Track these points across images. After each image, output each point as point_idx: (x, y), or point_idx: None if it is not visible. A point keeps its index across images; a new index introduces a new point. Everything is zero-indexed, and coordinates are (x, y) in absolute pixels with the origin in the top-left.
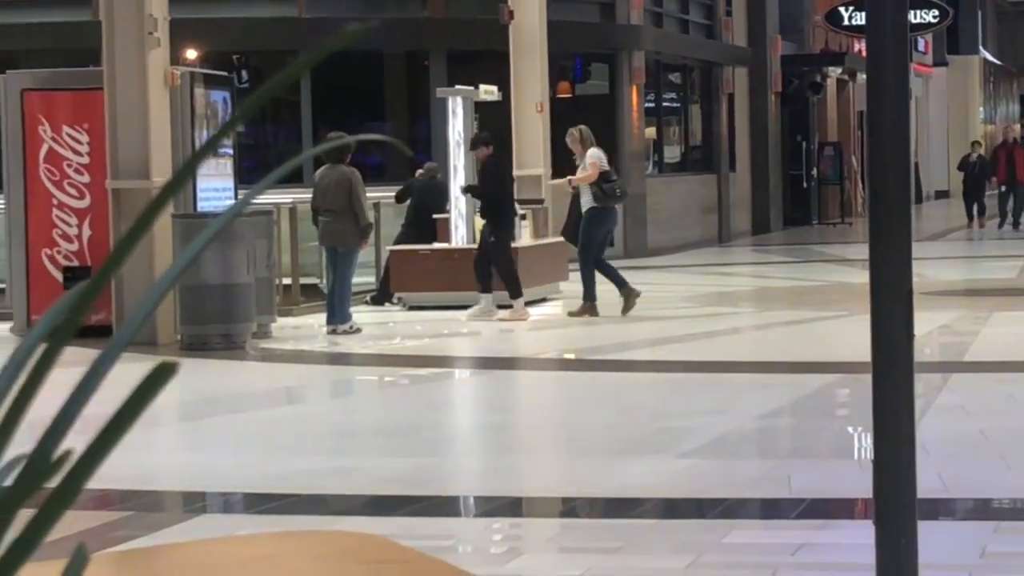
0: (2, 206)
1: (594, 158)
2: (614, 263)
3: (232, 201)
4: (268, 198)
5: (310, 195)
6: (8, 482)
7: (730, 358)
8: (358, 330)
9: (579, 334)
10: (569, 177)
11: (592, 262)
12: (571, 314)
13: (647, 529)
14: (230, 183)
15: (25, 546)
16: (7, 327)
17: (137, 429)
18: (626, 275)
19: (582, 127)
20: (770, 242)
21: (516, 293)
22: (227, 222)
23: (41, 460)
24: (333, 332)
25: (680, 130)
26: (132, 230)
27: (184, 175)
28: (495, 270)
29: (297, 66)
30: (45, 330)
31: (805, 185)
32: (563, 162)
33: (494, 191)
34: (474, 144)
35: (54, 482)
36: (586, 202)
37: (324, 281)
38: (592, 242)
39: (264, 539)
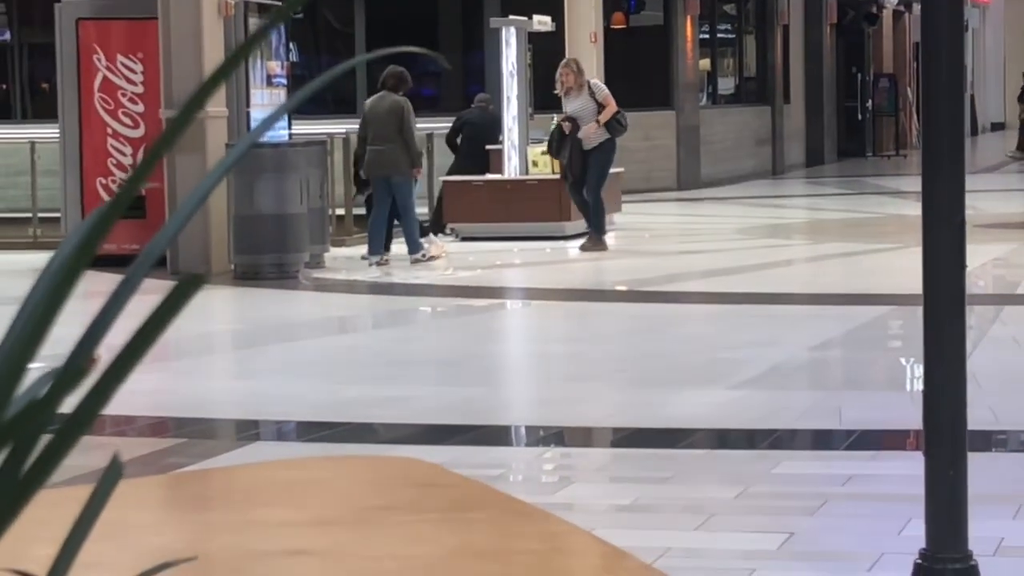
0: (57, 135)
1: (605, 89)
2: (668, 195)
3: (285, 131)
4: (321, 128)
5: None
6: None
7: (782, 290)
8: (432, 258)
9: (631, 265)
10: (597, 118)
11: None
12: (583, 249)
13: (697, 459)
14: (284, 113)
15: (53, 454)
16: None
17: (191, 357)
18: (680, 207)
19: (575, 59)
20: (824, 174)
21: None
22: (245, 151)
23: (71, 367)
24: (415, 262)
25: (734, 62)
26: (150, 153)
27: (201, 98)
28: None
29: None
30: (67, 254)
31: (859, 117)
32: (617, 92)
33: None
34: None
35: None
36: (596, 136)
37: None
38: (606, 174)
39: (313, 463)
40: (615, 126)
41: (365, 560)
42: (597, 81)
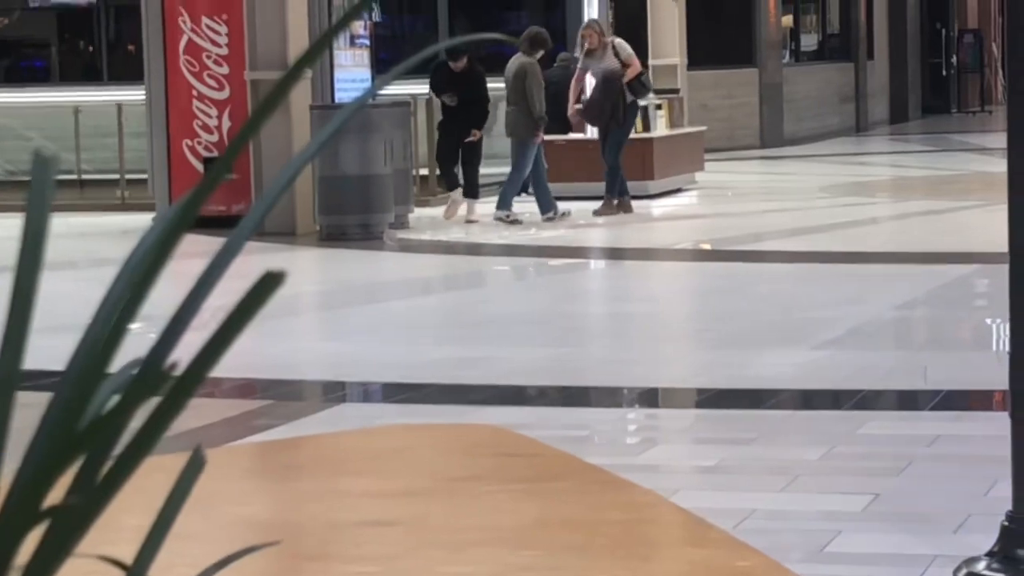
0: (143, 97)
1: (629, 48)
2: (751, 153)
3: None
4: (405, 89)
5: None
6: (122, 388)
7: (866, 249)
8: (517, 222)
9: (714, 225)
10: (630, 77)
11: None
12: (596, 213)
13: (781, 420)
14: (367, 73)
15: (134, 454)
16: (150, 217)
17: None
18: (763, 165)
19: (598, 20)
20: (908, 131)
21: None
22: (352, 114)
23: (153, 367)
24: (497, 220)
25: (817, 18)
26: (256, 113)
27: (310, 58)
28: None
29: None
30: (173, 215)
31: (944, 73)
32: (698, 50)
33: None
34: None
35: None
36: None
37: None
38: (626, 137)
39: (396, 431)
40: (638, 87)
41: (450, 530)
42: (620, 40)
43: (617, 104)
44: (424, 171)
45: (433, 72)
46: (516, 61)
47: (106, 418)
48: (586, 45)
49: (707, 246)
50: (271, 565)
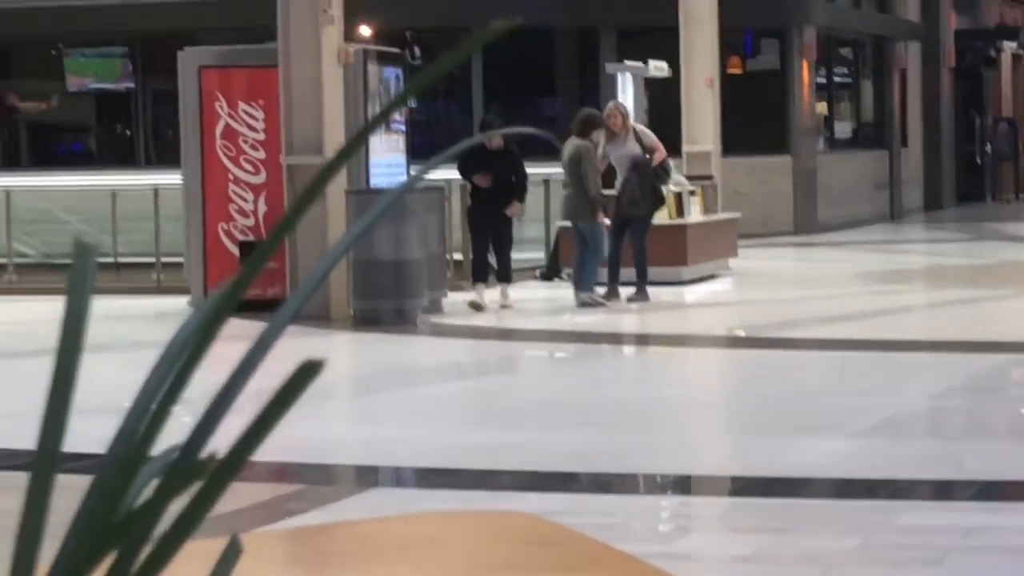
0: (180, 181)
1: (652, 135)
2: (785, 239)
3: (404, 177)
4: (439, 174)
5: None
6: (159, 478)
7: (901, 337)
8: (602, 304)
9: (748, 312)
10: (656, 164)
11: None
12: (631, 300)
13: (816, 509)
14: (402, 159)
15: (169, 545)
16: (186, 300)
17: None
18: (797, 252)
19: (622, 102)
20: (943, 219)
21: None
22: (393, 201)
23: (189, 459)
24: (582, 304)
25: (851, 105)
26: (300, 200)
27: (352, 149)
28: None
29: (454, 55)
30: (215, 303)
31: (979, 161)
32: (733, 137)
33: None
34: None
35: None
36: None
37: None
38: (650, 223)
39: (429, 519)
40: (662, 174)
41: None
42: (643, 127)
43: (656, 190)
44: (458, 256)
45: (466, 153)
46: (571, 144)
47: (142, 511)
48: (608, 128)
49: (741, 333)
50: None
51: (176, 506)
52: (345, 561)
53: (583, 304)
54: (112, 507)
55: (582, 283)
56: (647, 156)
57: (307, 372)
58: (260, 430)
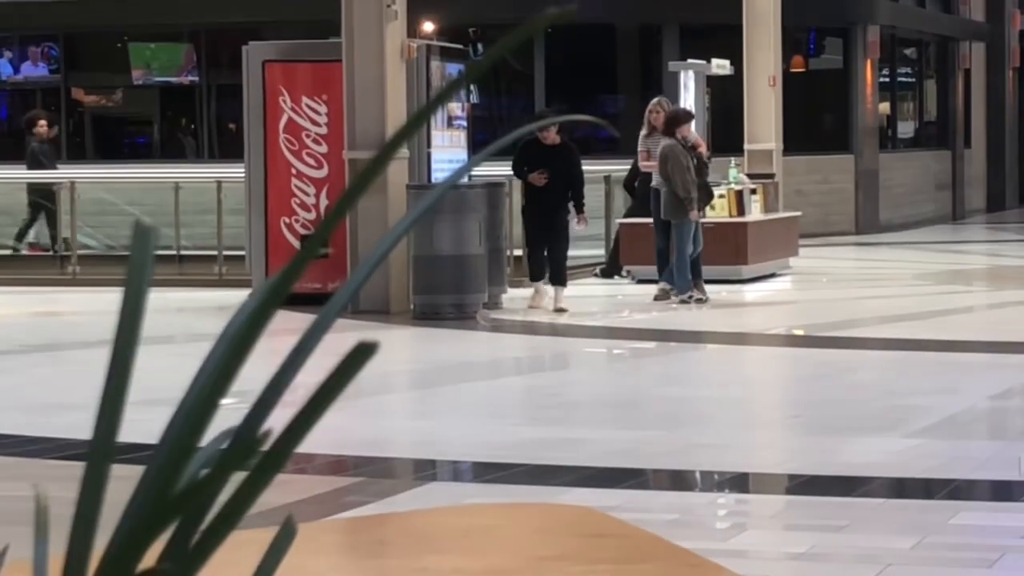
0: (243, 175)
1: (695, 133)
2: (846, 239)
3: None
4: (500, 170)
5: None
6: (214, 458)
7: (962, 337)
8: (700, 300)
9: (808, 310)
10: (700, 149)
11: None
12: (683, 302)
13: (873, 508)
14: (463, 154)
15: (225, 522)
16: (247, 293)
17: (370, 396)
18: (858, 251)
19: (666, 98)
20: (1005, 220)
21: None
22: (443, 193)
23: (246, 437)
24: (683, 302)
25: (914, 105)
26: (352, 188)
27: (411, 129)
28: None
29: (510, 40)
30: (265, 292)
31: None
32: (795, 135)
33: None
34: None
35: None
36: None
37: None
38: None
39: (484, 510)
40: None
41: None
42: (686, 127)
43: (707, 186)
44: (518, 252)
45: (520, 150)
46: (663, 143)
47: (200, 484)
48: (651, 123)
49: (800, 332)
50: None
51: (232, 487)
52: (401, 550)
53: (683, 302)
54: (169, 484)
55: (680, 281)
56: (695, 152)
57: (361, 354)
58: (315, 410)
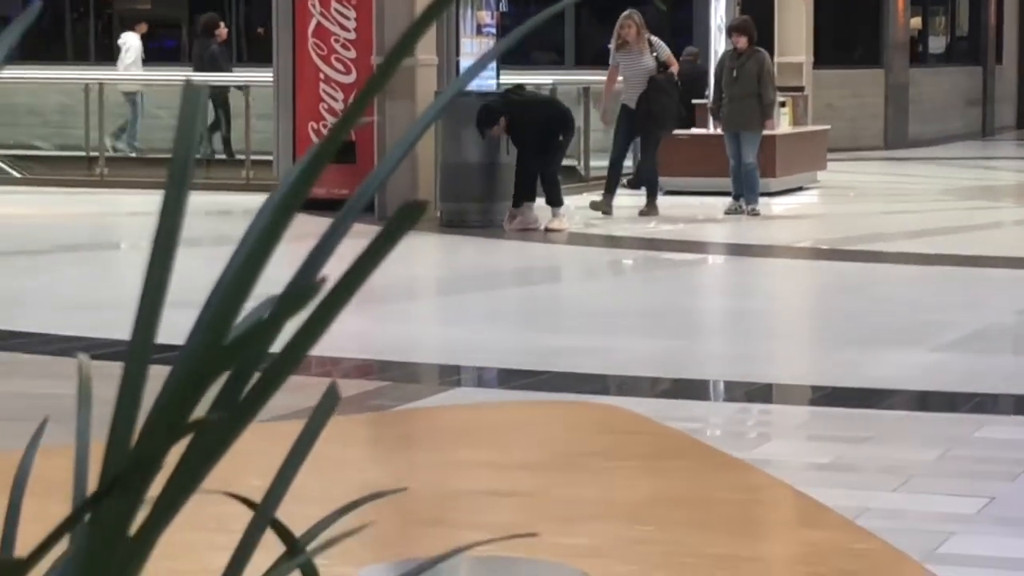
0: (271, 79)
1: (667, 48)
2: (874, 154)
3: (493, 81)
4: (529, 79)
5: (567, 77)
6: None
7: (989, 253)
8: (754, 213)
9: (835, 224)
10: (671, 67)
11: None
12: (642, 214)
13: (897, 420)
14: (493, 62)
15: (277, 372)
16: None
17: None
18: (886, 166)
19: (637, 11)
20: None
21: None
22: (451, 97)
23: (300, 284)
24: (754, 213)
25: (946, 20)
26: (361, 96)
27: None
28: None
29: None
30: (280, 198)
31: None
32: (825, 49)
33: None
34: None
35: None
36: (632, 97)
37: (580, 163)
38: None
39: (515, 407)
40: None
41: (566, 503)
42: (657, 39)
43: (683, 107)
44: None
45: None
46: (759, 52)
47: (253, 331)
48: (621, 37)
49: (826, 245)
50: (388, 528)
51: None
52: (431, 444)
53: (753, 213)
54: (221, 333)
55: (755, 193)
56: (667, 71)
57: (411, 210)
58: (367, 264)
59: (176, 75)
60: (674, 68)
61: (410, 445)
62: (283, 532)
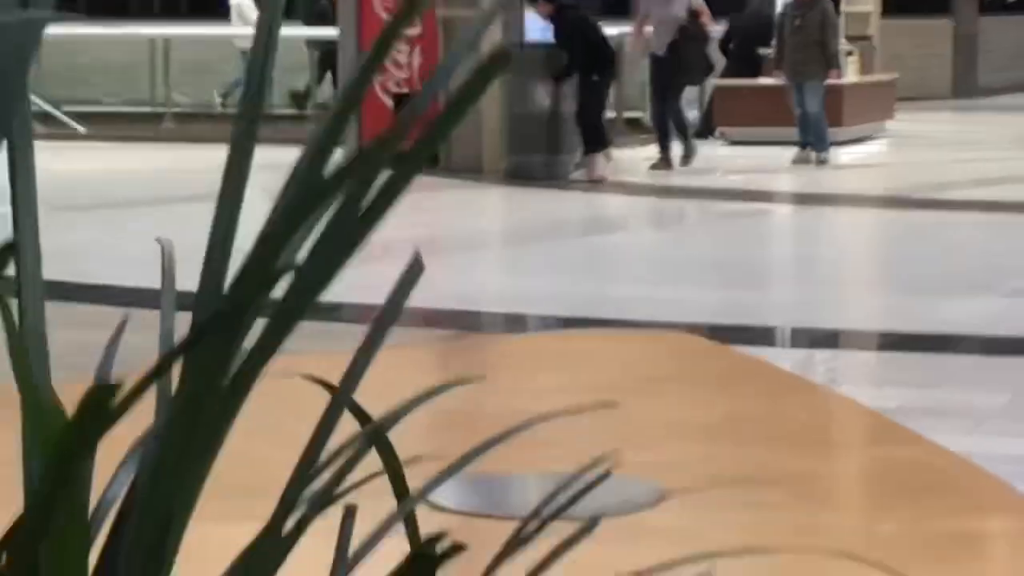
0: (336, 36)
1: None
2: (943, 103)
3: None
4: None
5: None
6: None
7: None
8: (823, 161)
9: (903, 173)
10: (702, 17)
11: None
12: (654, 167)
13: (966, 365)
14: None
15: (380, 205)
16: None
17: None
18: (954, 116)
19: None
20: None
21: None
22: (472, 43)
23: (412, 112)
24: (822, 162)
25: None
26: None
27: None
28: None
29: None
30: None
31: None
32: None
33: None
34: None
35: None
36: (662, 45)
37: (645, 114)
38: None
39: (590, 336)
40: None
41: (640, 423)
42: None
43: (708, 57)
44: (612, 113)
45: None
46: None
47: (352, 162)
48: None
49: (896, 193)
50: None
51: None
52: (507, 369)
53: (821, 162)
54: (321, 165)
55: (827, 142)
56: (698, 20)
57: (500, 58)
58: (461, 107)
59: (285, 31)
60: (706, 17)
61: (485, 370)
62: (360, 413)
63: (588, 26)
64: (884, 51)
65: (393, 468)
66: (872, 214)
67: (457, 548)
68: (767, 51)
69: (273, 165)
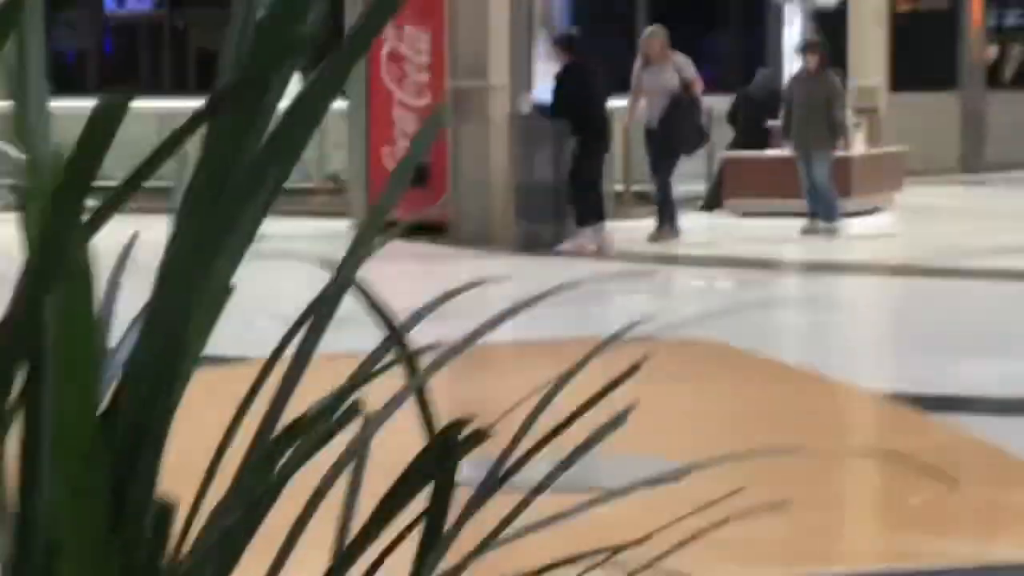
0: (345, 105)
1: (693, 68)
2: (952, 176)
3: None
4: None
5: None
6: None
7: None
8: (833, 231)
9: (914, 243)
10: (694, 87)
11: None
12: (651, 239)
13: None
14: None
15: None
16: (345, 223)
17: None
18: (963, 190)
19: (662, 27)
20: None
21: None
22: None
23: None
24: (832, 232)
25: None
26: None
27: None
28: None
29: None
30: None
31: None
32: (901, 73)
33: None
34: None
35: None
36: (653, 118)
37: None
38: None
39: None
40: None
41: (657, 414)
42: (684, 57)
43: (702, 129)
44: (618, 187)
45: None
46: (831, 75)
47: None
48: (645, 53)
49: (911, 262)
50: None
51: None
52: (517, 371)
53: (830, 232)
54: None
55: (835, 211)
56: (690, 90)
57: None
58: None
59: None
60: (697, 88)
61: (495, 373)
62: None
63: (590, 82)
64: (891, 124)
65: (411, 363)
66: (884, 283)
67: (480, 435)
68: (775, 123)
69: None
